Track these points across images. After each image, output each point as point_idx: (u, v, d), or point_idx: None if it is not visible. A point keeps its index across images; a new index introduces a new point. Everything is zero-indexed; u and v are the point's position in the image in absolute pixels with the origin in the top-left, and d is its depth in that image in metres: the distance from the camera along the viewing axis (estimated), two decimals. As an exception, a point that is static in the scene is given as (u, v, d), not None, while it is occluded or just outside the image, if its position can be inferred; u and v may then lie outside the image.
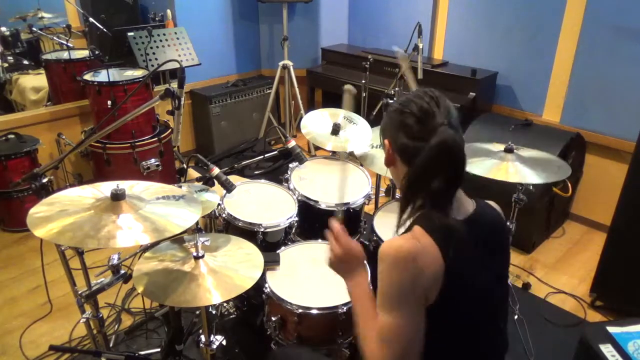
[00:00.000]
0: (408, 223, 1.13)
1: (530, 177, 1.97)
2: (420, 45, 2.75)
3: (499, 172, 1.97)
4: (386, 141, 1.20)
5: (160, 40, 3.40)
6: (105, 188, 1.48)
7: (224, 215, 2.02)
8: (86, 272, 1.65)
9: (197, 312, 2.16)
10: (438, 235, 1.06)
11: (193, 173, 2.34)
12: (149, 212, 1.40)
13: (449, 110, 1.12)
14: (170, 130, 3.36)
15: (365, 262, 1.24)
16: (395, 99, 2.99)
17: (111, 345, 2.17)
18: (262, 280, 1.65)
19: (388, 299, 1.05)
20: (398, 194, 3.02)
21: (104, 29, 3.80)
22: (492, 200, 1.28)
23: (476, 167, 1.98)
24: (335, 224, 1.24)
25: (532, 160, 2.06)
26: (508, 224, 1.29)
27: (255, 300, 1.99)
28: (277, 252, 1.87)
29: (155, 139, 3.23)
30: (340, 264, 1.23)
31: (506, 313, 1.29)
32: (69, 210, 1.36)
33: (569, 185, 2.79)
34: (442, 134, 1.06)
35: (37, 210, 1.36)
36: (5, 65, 3.98)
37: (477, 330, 1.17)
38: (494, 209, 1.25)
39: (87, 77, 3.09)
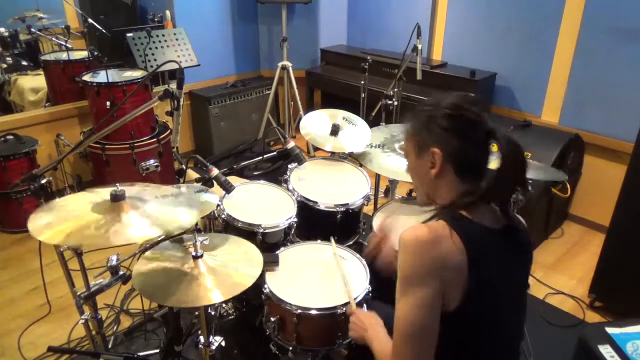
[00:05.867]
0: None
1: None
2: (419, 46, 2.76)
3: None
4: (436, 149, 1.08)
5: (160, 41, 3.40)
6: (104, 193, 1.47)
7: (223, 216, 2.01)
8: (85, 273, 1.64)
9: (196, 313, 2.16)
10: (461, 230, 1.02)
11: (192, 174, 2.34)
12: (149, 213, 1.40)
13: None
14: (169, 131, 3.36)
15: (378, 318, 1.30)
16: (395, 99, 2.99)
17: (110, 346, 2.16)
18: (261, 280, 1.65)
19: (404, 282, 1.00)
20: (398, 195, 3.02)
21: (103, 30, 3.80)
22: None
23: None
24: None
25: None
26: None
27: (255, 301, 1.98)
28: (277, 252, 1.87)
29: (154, 139, 3.23)
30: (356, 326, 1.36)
31: (522, 332, 1.29)
32: (70, 213, 1.36)
33: (568, 186, 2.79)
34: (506, 139, 1.03)
35: (38, 216, 1.35)
36: (4, 66, 3.98)
37: (494, 344, 1.14)
38: (524, 225, 1.22)
39: (86, 78, 3.09)
